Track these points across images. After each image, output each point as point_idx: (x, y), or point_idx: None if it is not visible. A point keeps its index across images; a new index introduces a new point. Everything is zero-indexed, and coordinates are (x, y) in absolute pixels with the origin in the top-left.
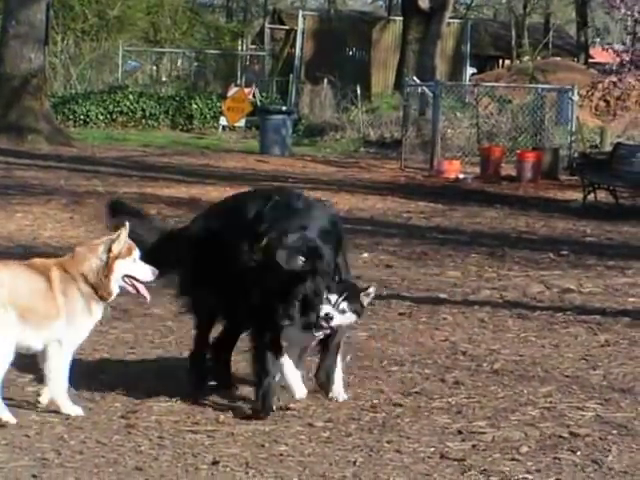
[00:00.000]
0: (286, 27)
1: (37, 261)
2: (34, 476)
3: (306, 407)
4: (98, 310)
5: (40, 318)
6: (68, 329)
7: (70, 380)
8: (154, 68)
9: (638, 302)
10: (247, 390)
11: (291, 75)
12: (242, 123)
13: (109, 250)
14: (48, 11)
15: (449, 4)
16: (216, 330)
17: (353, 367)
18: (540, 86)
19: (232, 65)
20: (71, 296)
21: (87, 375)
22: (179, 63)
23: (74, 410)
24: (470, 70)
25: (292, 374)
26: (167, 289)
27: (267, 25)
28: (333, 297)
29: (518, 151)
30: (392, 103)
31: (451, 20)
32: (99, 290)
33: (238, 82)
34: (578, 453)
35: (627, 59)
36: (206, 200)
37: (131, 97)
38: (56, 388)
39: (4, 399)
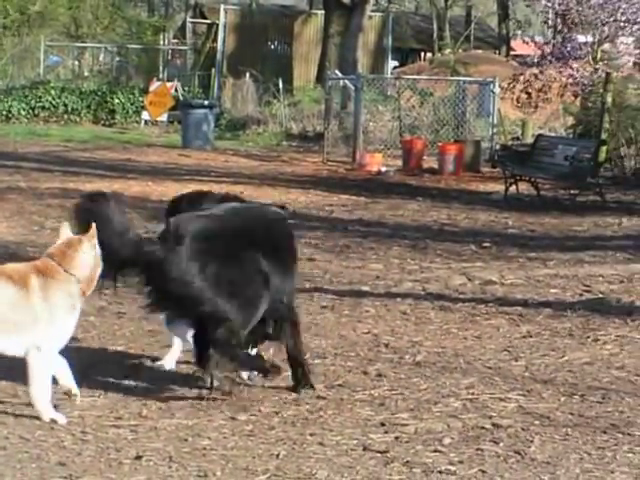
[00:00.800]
0: (208, 21)
1: (9, 268)
2: None
3: (228, 400)
4: (80, 306)
5: (13, 326)
6: (53, 333)
7: None
8: (76, 63)
9: (559, 293)
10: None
11: (213, 69)
12: (164, 117)
13: (95, 246)
14: None
15: None
16: None
17: (276, 359)
18: (462, 79)
19: (154, 60)
20: (55, 300)
21: (10, 370)
22: (101, 58)
23: (56, 416)
24: (392, 63)
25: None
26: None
27: (189, 19)
28: None
29: (440, 144)
30: (314, 96)
31: (373, 13)
32: (88, 285)
33: (160, 76)
34: (501, 444)
35: (548, 51)
36: (129, 195)
37: (53, 92)
38: (36, 394)
39: None
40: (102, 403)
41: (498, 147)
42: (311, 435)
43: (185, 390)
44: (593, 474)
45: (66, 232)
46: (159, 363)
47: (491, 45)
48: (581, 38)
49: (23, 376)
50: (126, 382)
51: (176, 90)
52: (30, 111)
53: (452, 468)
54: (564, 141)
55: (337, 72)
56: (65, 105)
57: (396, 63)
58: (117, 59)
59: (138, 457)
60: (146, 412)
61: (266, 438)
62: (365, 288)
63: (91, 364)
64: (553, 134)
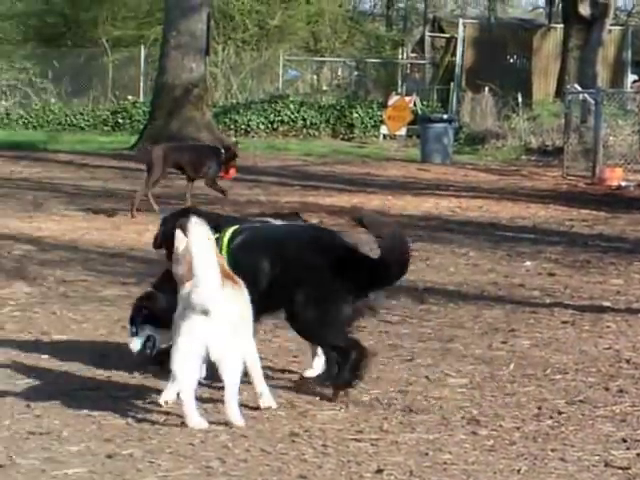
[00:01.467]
0: (446, 35)
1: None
2: None
3: (471, 415)
4: None
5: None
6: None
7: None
8: (314, 77)
9: None
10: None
11: (452, 83)
12: (403, 132)
13: None
14: (209, 21)
15: (610, 11)
16: None
17: (516, 375)
18: None
19: (392, 74)
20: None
21: (251, 384)
22: (339, 72)
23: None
24: (631, 77)
25: None
26: None
27: (427, 33)
28: None
29: None
30: (553, 110)
31: (612, 27)
32: None
33: (399, 91)
34: None
35: None
36: (368, 209)
37: (292, 106)
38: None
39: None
40: (343, 417)
41: None
42: (552, 451)
43: (425, 405)
44: None
45: None
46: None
47: None
48: None
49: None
50: (363, 398)
51: (415, 104)
52: (269, 125)
53: None
54: None
55: (576, 86)
56: (304, 119)
57: (635, 77)
58: (355, 73)
59: (379, 471)
60: (387, 426)
61: (507, 453)
62: (606, 303)
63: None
64: None
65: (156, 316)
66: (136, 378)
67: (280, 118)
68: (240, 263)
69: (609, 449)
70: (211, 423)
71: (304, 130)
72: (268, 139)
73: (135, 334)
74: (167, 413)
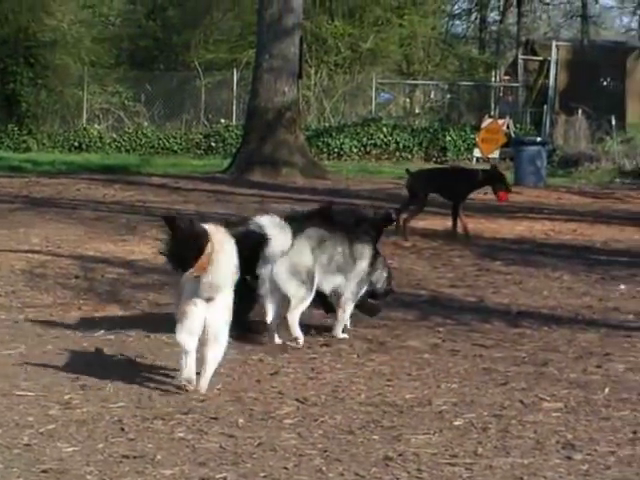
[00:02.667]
0: (539, 58)
1: None
2: None
3: (565, 440)
4: None
5: None
6: None
7: (329, 413)
8: (407, 100)
9: None
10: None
11: (545, 106)
12: (496, 154)
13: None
14: (301, 44)
15: None
16: None
17: (611, 400)
18: None
19: (485, 96)
20: None
21: (345, 408)
22: (432, 95)
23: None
24: None
25: None
26: (424, 321)
27: (520, 56)
28: None
29: None
30: None
31: None
32: None
33: (492, 113)
34: None
35: None
36: (461, 232)
37: (385, 129)
38: None
39: None
40: (437, 440)
41: None
42: None
43: (519, 429)
44: None
45: None
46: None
47: None
48: None
49: (356, 412)
50: (457, 422)
51: (508, 127)
52: (362, 148)
53: None
54: None
55: None
56: (397, 142)
57: None
58: (448, 96)
59: None
60: (481, 450)
61: (602, 478)
62: None
63: (423, 402)
64: None
65: None
66: (229, 402)
67: (373, 141)
68: None
69: None
70: (305, 447)
71: (397, 153)
72: (361, 162)
73: None
74: (260, 437)
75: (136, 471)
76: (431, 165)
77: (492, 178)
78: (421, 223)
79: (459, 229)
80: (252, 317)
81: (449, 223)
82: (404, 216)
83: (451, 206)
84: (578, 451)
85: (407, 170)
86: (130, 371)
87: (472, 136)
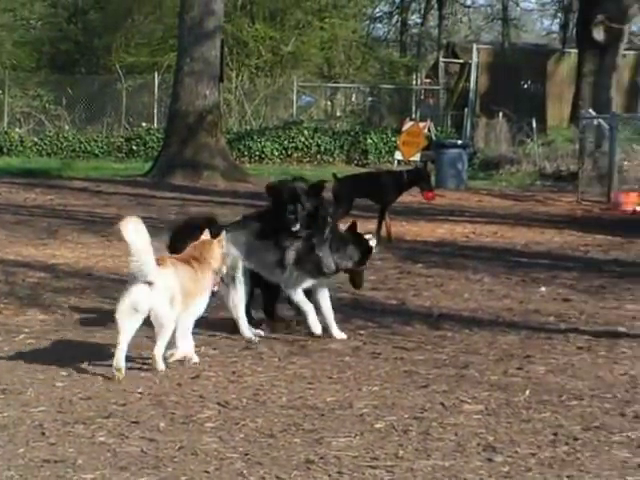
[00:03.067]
0: (460, 61)
1: None
2: None
3: (486, 442)
4: None
5: None
6: None
7: (251, 416)
8: (328, 103)
9: None
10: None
11: (466, 109)
12: (417, 157)
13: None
14: (222, 48)
15: (624, 36)
16: None
17: (532, 402)
18: None
19: (406, 99)
20: None
21: (266, 411)
22: (353, 98)
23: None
24: None
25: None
26: (346, 324)
27: (441, 59)
28: None
29: None
30: (568, 136)
31: (626, 52)
32: None
33: (413, 116)
34: None
35: None
36: (382, 235)
37: (306, 132)
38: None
39: None
40: (358, 443)
41: None
42: (568, 477)
43: (440, 431)
44: None
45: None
46: None
47: None
48: None
49: (277, 416)
50: (378, 424)
51: (429, 130)
52: (283, 151)
53: None
54: None
55: (591, 111)
56: (318, 145)
57: None
58: (369, 99)
59: None
60: (402, 453)
61: (523, 479)
62: (621, 329)
63: (345, 404)
64: None
65: None
66: (150, 406)
67: (294, 144)
68: None
69: (625, 475)
70: (226, 450)
71: (318, 156)
72: (282, 165)
73: None
74: (181, 441)
75: (57, 475)
76: (353, 169)
77: (418, 178)
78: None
79: (382, 232)
80: None
81: (371, 226)
82: None
83: (378, 209)
84: (499, 453)
85: (334, 175)
86: (51, 375)
87: (393, 139)
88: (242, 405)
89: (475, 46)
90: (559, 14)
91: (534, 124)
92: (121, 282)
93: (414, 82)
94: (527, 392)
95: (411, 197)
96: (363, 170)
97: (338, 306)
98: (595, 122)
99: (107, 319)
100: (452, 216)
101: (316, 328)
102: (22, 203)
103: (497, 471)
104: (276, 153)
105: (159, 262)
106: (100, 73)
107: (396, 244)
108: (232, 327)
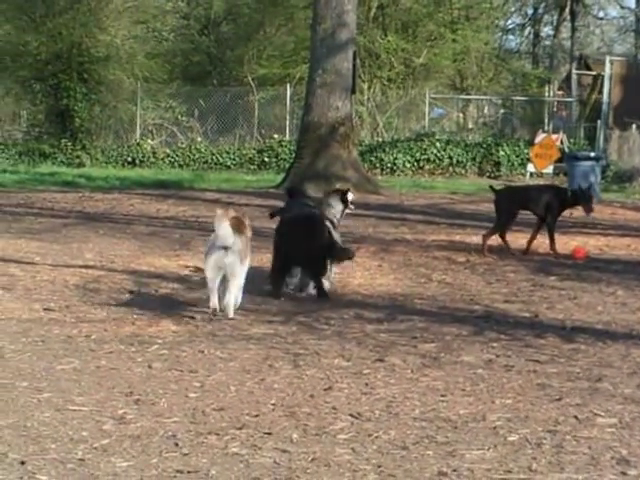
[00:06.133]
0: (593, 73)
1: None
2: None
3: (620, 455)
4: None
5: None
6: None
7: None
8: (460, 115)
9: None
10: None
11: (599, 121)
12: (550, 170)
13: None
14: (355, 59)
15: None
16: None
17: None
18: None
19: (539, 111)
20: None
21: (399, 423)
22: (485, 110)
23: None
24: None
25: None
26: (478, 337)
27: (574, 71)
28: None
29: None
30: None
31: None
32: None
33: (545, 128)
34: None
35: None
36: (515, 247)
37: (438, 144)
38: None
39: None
40: (491, 456)
41: None
42: None
43: (574, 444)
44: None
45: None
46: None
47: None
48: None
49: (411, 427)
50: (511, 437)
51: (561, 142)
52: (415, 163)
53: None
54: None
55: None
56: (450, 157)
57: None
58: (502, 111)
59: None
60: (536, 466)
61: None
62: None
63: (478, 417)
64: None
65: None
66: (283, 417)
67: (426, 156)
68: None
69: None
70: (359, 462)
71: (450, 168)
72: (414, 177)
73: None
74: (314, 453)
75: None
76: (486, 181)
77: (582, 199)
78: (475, 239)
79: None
80: None
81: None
82: (485, 233)
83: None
84: (633, 467)
85: (491, 187)
86: (184, 386)
87: (526, 151)
88: (375, 417)
89: (608, 58)
90: None
91: None
92: (253, 293)
93: (547, 94)
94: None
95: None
96: (520, 184)
97: (470, 318)
98: None
99: (239, 330)
100: (585, 229)
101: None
102: (155, 214)
103: None
104: (408, 165)
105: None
106: (232, 85)
107: (529, 256)
108: (362, 339)
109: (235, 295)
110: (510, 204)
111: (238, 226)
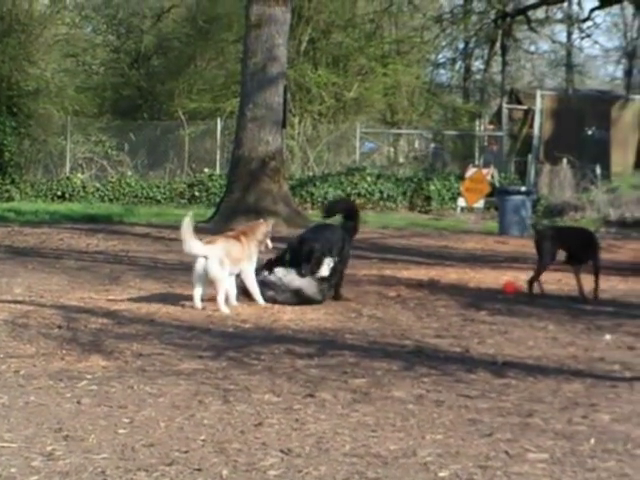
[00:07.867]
0: (524, 107)
1: None
2: None
3: None
4: None
5: None
6: None
7: (314, 464)
8: (391, 149)
9: None
10: None
11: (529, 155)
12: (480, 204)
13: None
14: (285, 94)
15: None
16: None
17: (597, 450)
18: None
19: (470, 145)
20: None
21: (329, 459)
22: (416, 144)
23: None
24: None
25: None
26: (409, 372)
27: (505, 105)
28: None
29: None
30: (632, 182)
31: None
32: None
33: (476, 163)
34: None
35: None
36: (446, 282)
37: (369, 179)
38: None
39: None
40: None
41: None
42: None
43: None
44: None
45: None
46: None
47: None
48: None
49: (340, 463)
50: (442, 473)
51: (492, 176)
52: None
53: None
54: None
55: None
56: (381, 192)
57: None
58: (433, 145)
59: None
60: None
61: None
62: None
63: (408, 453)
64: None
65: None
66: (213, 453)
67: (357, 191)
68: None
69: None
70: None
71: (381, 202)
72: None
73: None
74: None
75: None
76: (416, 215)
77: None
78: (405, 273)
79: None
80: None
81: (430, 272)
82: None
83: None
84: None
85: (533, 226)
86: (113, 422)
87: (456, 185)
88: (305, 453)
89: (539, 92)
90: (623, 60)
91: (598, 171)
92: (183, 328)
93: (477, 128)
94: (592, 441)
95: (473, 244)
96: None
97: (401, 353)
98: None
99: (169, 366)
100: (516, 263)
101: None
102: (84, 249)
103: None
104: None
105: (210, 241)
106: (162, 119)
107: (458, 292)
108: (293, 374)
109: (223, 294)
110: (554, 244)
111: (229, 236)
